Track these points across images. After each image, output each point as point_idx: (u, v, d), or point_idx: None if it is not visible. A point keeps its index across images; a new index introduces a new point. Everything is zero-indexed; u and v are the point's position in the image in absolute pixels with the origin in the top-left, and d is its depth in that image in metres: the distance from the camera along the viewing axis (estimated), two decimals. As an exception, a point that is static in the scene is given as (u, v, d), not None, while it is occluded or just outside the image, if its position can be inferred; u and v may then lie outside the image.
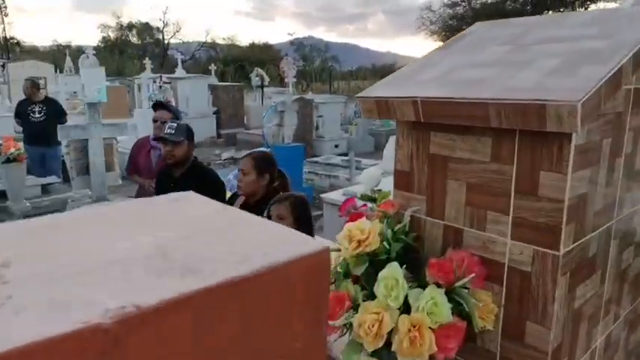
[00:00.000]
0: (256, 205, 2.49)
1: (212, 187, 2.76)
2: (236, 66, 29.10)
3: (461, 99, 1.13)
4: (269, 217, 2.30)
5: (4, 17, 35.76)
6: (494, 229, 1.30)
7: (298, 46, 38.14)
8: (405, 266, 1.34)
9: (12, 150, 4.10)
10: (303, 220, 2.22)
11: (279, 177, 2.59)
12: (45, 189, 5.19)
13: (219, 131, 14.10)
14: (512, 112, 1.01)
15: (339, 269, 1.40)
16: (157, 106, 3.44)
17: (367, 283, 1.38)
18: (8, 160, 4.12)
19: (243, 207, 2.57)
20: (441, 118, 1.22)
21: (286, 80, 12.14)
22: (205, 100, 13.82)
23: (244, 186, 2.46)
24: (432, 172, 1.42)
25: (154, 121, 3.35)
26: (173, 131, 2.70)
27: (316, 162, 10.46)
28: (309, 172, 9.50)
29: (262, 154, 2.58)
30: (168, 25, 35.70)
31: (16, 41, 36.04)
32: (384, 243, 1.41)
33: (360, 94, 1.43)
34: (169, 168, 2.81)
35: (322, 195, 4.94)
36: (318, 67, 31.62)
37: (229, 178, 3.14)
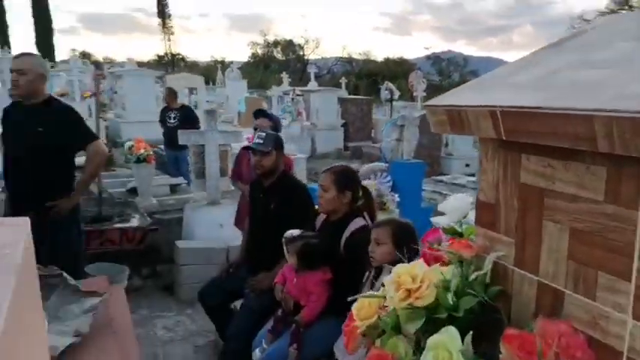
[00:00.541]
0: (338, 223, 2.28)
1: (299, 201, 2.64)
2: (369, 80, 29.31)
3: (555, 109, 0.78)
4: (367, 241, 2.08)
5: (170, 36, 41.70)
6: (609, 299, 0.90)
7: (435, 60, 37.03)
8: (472, 332, 1.01)
9: (142, 151, 4.52)
10: (406, 249, 1.94)
11: (363, 195, 2.35)
12: (173, 189, 5.63)
13: (347, 144, 14.23)
14: (631, 131, 0.65)
15: (387, 320, 1.11)
16: (258, 114, 3.47)
17: (421, 346, 1.07)
18: (139, 160, 4.55)
19: (324, 225, 2.38)
20: (529, 136, 0.87)
21: (415, 94, 11.76)
22: (334, 113, 14.06)
23: (324, 203, 2.27)
24: (523, 207, 1.06)
25: (255, 128, 3.37)
26: (262, 141, 2.64)
27: (441, 181, 9.89)
28: (432, 192, 8.97)
29: (343, 169, 2.36)
30: (309, 42, 37.64)
31: (181, 57, 41.55)
32: (449, 295, 1.09)
33: (428, 102, 1.13)
34: (260, 177, 2.76)
35: (432, 218, 4.52)
36: (454, 81, 30.33)
37: None
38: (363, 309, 1.08)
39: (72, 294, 1.93)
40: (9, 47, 23.15)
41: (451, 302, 1.06)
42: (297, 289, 2.21)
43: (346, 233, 2.20)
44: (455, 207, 1.52)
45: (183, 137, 4.25)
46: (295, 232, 2.26)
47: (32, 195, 2.81)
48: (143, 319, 3.65)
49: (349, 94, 19.73)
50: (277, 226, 2.44)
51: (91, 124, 4.22)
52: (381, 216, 4.95)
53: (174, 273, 4.09)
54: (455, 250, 1.18)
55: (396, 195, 5.12)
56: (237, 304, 2.82)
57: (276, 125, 3.43)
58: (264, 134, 2.70)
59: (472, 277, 1.14)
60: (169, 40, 41.88)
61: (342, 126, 14.17)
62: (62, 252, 2.90)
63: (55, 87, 13.60)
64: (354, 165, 12.45)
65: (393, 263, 1.88)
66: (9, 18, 36.68)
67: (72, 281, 1.95)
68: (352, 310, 1.12)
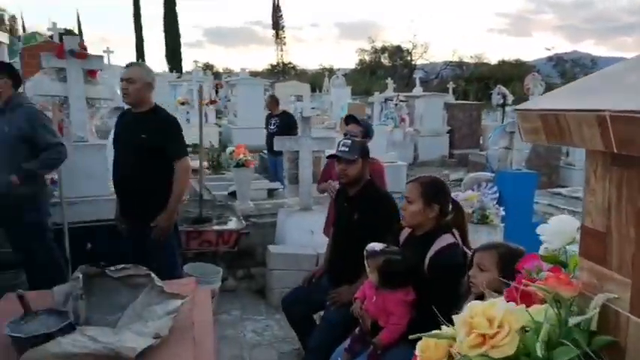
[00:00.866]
0: (423, 239, 2.08)
1: (384, 212, 2.49)
2: (480, 84, 27.73)
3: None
4: (454, 260, 1.88)
5: (283, 46, 43.96)
6: None
7: (557, 61, 33.84)
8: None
9: (241, 156, 4.70)
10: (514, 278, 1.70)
11: (454, 209, 2.12)
12: (271, 193, 5.78)
13: (452, 151, 13.64)
14: None
15: (458, 365, 0.93)
16: (349, 119, 3.37)
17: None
18: (238, 165, 4.74)
19: (408, 240, 2.19)
20: (650, 150, 0.65)
21: (531, 98, 10.83)
22: (440, 119, 13.53)
23: (408, 216, 2.09)
24: (643, 240, 0.82)
25: (344, 134, 3.28)
26: (347, 149, 2.54)
27: (559, 193, 9.02)
28: (547, 205, 8.19)
29: (432, 180, 2.15)
30: (417, 47, 36.74)
31: (291, 66, 43.41)
32: (539, 344, 0.88)
33: (520, 106, 0.94)
34: (345, 186, 2.66)
35: (542, 237, 4.05)
36: (580, 84, 27.26)
37: None
38: (428, 350, 0.92)
39: (157, 295, 1.98)
40: (143, 60, 26.10)
41: (540, 353, 0.86)
42: (377, 307, 2.06)
43: (431, 251, 2.00)
44: (557, 230, 1.27)
45: (278, 143, 4.32)
46: (377, 245, 2.11)
47: (137, 200, 3.01)
48: (234, 320, 3.75)
49: (457, 99, 18.87)
50: (360, 237, 2.33)
51: (206, 130, 4.48)
52: (483, 230, 4.59)
53: (266, 277, 4.16)
54: (550, 287, 0.96)
55: (502, 208, 4.69)
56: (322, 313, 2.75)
57: (367, 131, 3.31)
58: (349, 142, 2.60)
59: (572, 322, 0.92)
60: (281, 50, 44.17)
61: (447, 132, 13.58)
62: (164, 253, 3.08)
63: (178, 95, 14.94)
64: (459, 174, 11.86)
65: (499, 292, 1.65)
66: (144, 34, 41.40)
67: (159, 282, 2.00)
68: (416, 351, 0.96)
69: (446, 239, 2.01)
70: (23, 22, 39.26)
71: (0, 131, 3.04)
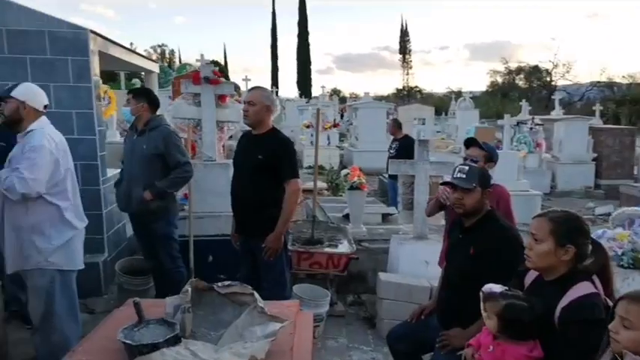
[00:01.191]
0: (554, 284, 1.74)
1: (506, 249, 2.17)
2: (636, 107, 24.32)
3: None
4: (592, 314, 1.57)
5: (409, 70, 44.06)
6: None
7: None
8: None
9: (356, 179, 4.65)
10: None
11: (595, 252, 1.74)
12: (385, 218, 5.62)
13: (598, 181, 12.16)
14: None
15: None
16: (470, 143, 3.07)
17: None
18: (352, 187, 4.69)
19: (534, 285, 1.87)
20: None
21: (703, 122, 9.12)
22: (583, 144, 12.13)
23: (535, 257, 1.76)
24: None
25: (464, 159, 3.00)
26: (464, 175, 2.28)
27: None
28: None
29: (565, 216, 1.78)
30: (558, 67, 33.61)
31: (417, 89, 43.13)
32: None
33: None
34: (460, 217, 2.40)
35: None
36: None
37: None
38: None
39: (259, 315, 1.97)
40: (277, 87, 28.04)
41: None
42: (494, 359, 1.78)
43: (564, 301, 1.66)
44: None
45: (393, 167, 4.19)
46: (496, 287, 1.84)
47: (252, 219, 3.11)
48: (341, 348, 3.63)
49: (606, 122, 16.79)
50: (476, 275, 2.06)
51: (328, 152, 4.54)
52: (636, 276, 3.87)
53: (376, 305, 3.99)
54: None
55: (660, 251, 3.92)
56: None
57: (490, 156, 2.99)
58: (466, 167, 2.34)
59: None
60: (407, 74, 44.28)
61: (593, 160, 12.13)
62: (274, 273, 3.12)
63: (304, 119, 15.64)
64: (607, 207, 10.42)
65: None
66: (279, 63, 44.76)
67: (260, 302, 1.99)
68: None
69: (583, 288, 1.66)
70: (180, 55, 45.37)
71: (139, 149, 3.42)
